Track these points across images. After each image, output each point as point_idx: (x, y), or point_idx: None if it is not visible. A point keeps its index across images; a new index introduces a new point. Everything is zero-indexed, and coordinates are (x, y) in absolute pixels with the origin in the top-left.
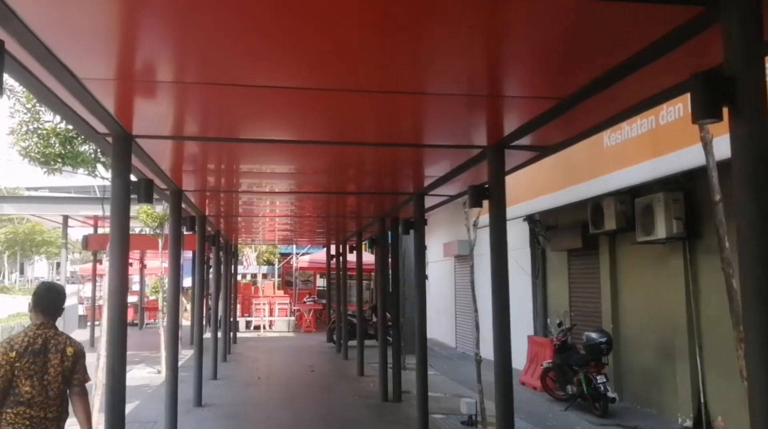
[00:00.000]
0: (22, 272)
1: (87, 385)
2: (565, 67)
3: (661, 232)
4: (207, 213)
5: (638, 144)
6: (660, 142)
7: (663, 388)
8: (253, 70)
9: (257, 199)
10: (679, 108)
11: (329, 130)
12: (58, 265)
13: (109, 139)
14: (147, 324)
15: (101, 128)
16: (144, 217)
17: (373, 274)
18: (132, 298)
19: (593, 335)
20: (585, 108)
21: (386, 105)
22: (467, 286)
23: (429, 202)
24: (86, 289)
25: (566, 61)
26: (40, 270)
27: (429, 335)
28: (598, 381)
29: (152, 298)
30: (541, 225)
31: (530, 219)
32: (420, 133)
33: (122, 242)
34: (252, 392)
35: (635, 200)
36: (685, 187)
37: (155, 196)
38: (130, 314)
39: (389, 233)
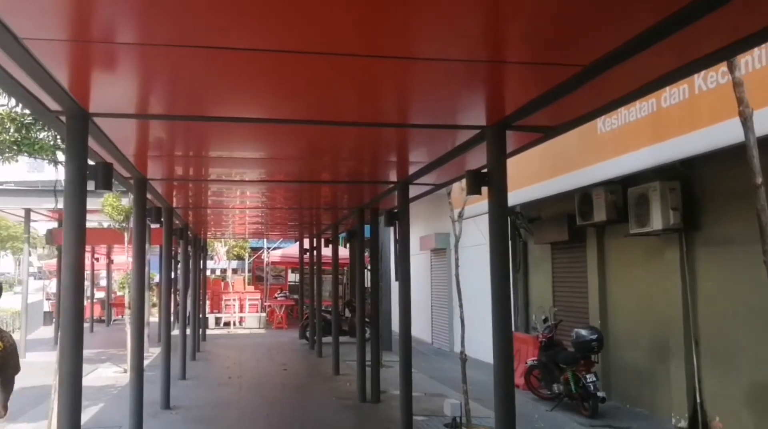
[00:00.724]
0: None
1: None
2: (590, 26)
3: (656, 223)
4: (174, 204)
5: (637, 129)
6: (662, 127)
7: (656, 386)
8: (226, 28)
9: (227, 189)
10: (683, 89)
11: (304, 107)
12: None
13: (63, 118)
14: (114, 320)
15: (53, 105)
16: (109, 210)
17: (347, 268)
18: (99, 294)
19: (583, 332)
20: (608, 78)
21: (367, 72)
22: (444, 281)
23: (414, 191)
24: (53, 285)
25: (592, 19)
26: (5, 266)
27: None
28: (588, 380)
29: (119, 293)
30: (523, 217)
31: (511, 211)
32: (406, 109)
33: (77, 234)
34: (223, 393)
35: (628, 190)
36: (682, 176)
37: (117, 185)
38: (97, 310)
39: (367, 226)
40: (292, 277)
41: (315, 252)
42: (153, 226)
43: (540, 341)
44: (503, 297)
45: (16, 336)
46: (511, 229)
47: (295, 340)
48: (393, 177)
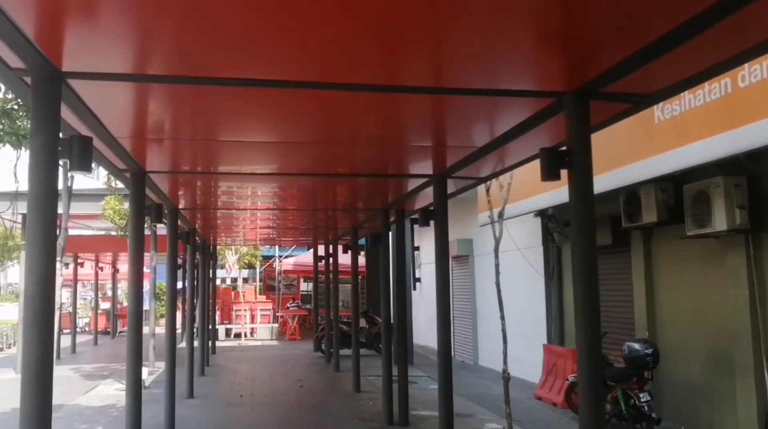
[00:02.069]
0: None
1: None
2: None
3: (720, 223)
4: (180, 205)
5: (704, 115)
6: (736, 112)
7: (717, 406)
8: None
9: (237, 187)
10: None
11: (317, 67)
12: None
13: (29, 80)
14: (120, 332)
15: (14, 62)
16: (111, 214)
17: (362, 277)
18: (104, 305)
19: (636, 346)
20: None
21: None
22: (467, 290)
23: (450, 187)
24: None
25: None
26: (13, 276)
27: (422, 342)
28: (641, 399)
29: (126, 304)
30: (557, 220)
31: (543, 214)
32: (452, 70)
33: (45, 226)
34: (233, 414)
35: (684, 187)
36: (747, 171)
37: (113, 178)
38: (102, 322)
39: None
40: (304, 287)
41: (331, 259)
42: (159, 232)
43: None
44: (591, 304)
45: (11, 351)
46: (543, 233)
47: (309, 353)
48: (426, 169)
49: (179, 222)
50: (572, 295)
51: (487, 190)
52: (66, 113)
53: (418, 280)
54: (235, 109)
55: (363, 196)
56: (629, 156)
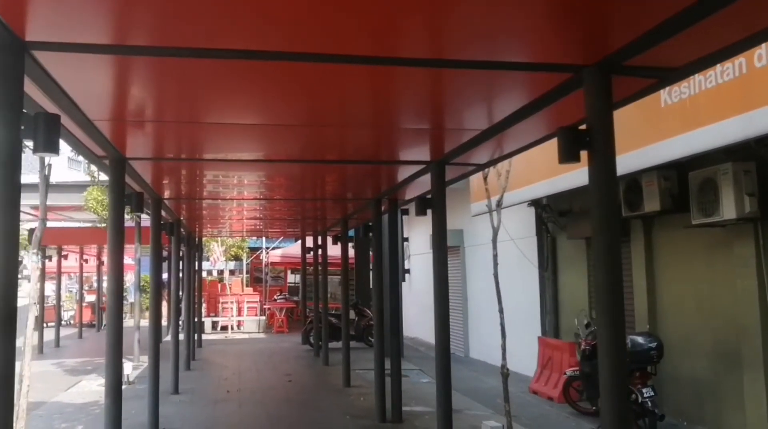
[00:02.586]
0: None
1: None
2: None
3: (728, 211)
4: (164, 195)
5: (716, 97)
6: (754, 92)
7: (723, 402)
8: None
9: (224, 176)
10: None
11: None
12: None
13: None
14: (105, 325)
15: None
16: (93, 205)
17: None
18: (90, 298)
19: (639, 339)
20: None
21: None
22: (457, 281)
23: (448, 174)
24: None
25: None
26: None
27: (411, 334)
28: (645, 395)
29: None
30: (551, 210)
31: (537, 204)
32: (452, 38)
33: (7, 215)
34: (220, 411)
35: (689, 175)
36: (757, 156)
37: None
38: (87, 315)
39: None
40: (292, 279)
41: (320, 250)
42: (144, 224)
43: (583, 349)
44: (614, 293)
45: None
46: (537, 223)
47: (297, 346)
48: (423, 155)
49: (164, 213)
50: (567, 286)
51: (485, 178)
52: (34, 92)
53: (407, 271)
54: (219, 85)
55: (354, 185)
56: (630, 142)
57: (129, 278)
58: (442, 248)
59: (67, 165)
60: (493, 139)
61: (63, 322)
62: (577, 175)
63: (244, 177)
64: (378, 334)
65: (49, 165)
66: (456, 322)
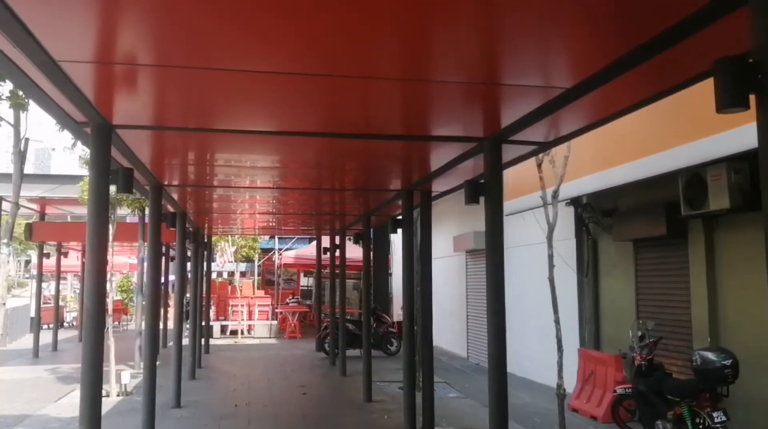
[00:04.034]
0: None
1: None
2: None
3: None
4: (165, 180)
5: None
6: None
7: None
8: None
9: (234, 160)
10: None
11: None
12: (27, 262)
13: None
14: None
15: None
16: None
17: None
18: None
19: (711, 356)
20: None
21: None
22: (483, 286)
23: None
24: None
25: None
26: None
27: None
28: (716, 419)
29: (116, 298)
30: (593, 209)
31: (576, 202)
32: None
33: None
34: None
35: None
36: None
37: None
38: None
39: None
40: (305, 282)
41: (338, 251)
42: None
43: (638, 364)
44: None
45: None
46: (576, 224)
47: (311, 353)
48: (477, 130)
49: (169, 206)
50: (609, 293)
51: (539, 165)
52: None
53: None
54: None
55: (381, 171)
56: (694, 131)
57: (86, 277)
58: (498, 247)
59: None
60: (566, 108)
61: (66, 324)
62: (633, 168)
63: (257, 160)
64: (408, 344)
65: (26, 139)
66: (481, 331)
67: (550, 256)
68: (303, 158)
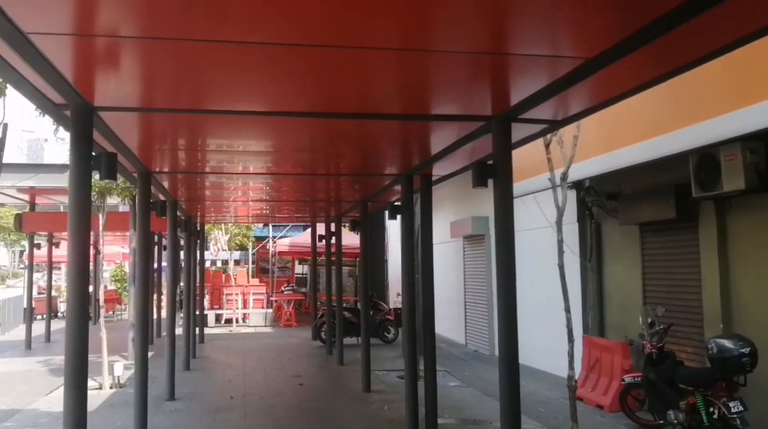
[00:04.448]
0: None
1: None
2: None
3: None
4: (154, 167)
5: None
6: None
7: None
8: None
9: (227, 145)
10: None
11: None
12: (22, 253)
13: None
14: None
15: None
16: None
17: (358, 259)
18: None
19: (728, 343)
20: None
21: None
22: (482, 273)
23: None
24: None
25: None
26: (1, 258)
27: None
28: (732, 410)
29: (110, 287)
30: (597, 193)
31: (579, 186)
32: None
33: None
34: (222, 423)
35: None
36: None
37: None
38: None
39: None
40: (299, 269)
41: (334, 238)
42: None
43: (648, 352)
44: None
45: None
46: (578, 208)
47: (307, 342)
48: (484, 108)
49: (162, 196)
50: (614, 278)
51: (547, 146)
52: None
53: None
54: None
55: (379, 153)
56: (707, 109)
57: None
58: (508, 232)
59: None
60: (587, 80)
61: (60, 315)
62: (641, 149)
63: (249, 144)
64: (409, 332)
65: (4, 125)
66: (479, 317)
67: (560, 242)
68: (296, 141)
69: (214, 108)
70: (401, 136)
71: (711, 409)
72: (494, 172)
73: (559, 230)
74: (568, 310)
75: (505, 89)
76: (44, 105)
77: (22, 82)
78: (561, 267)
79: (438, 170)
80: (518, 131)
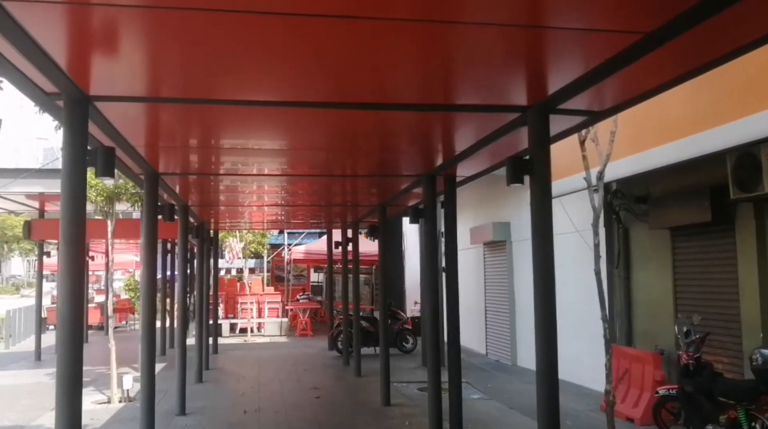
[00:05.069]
0: None
1: None
2: None
3: None
4: (161, 167)
5: None
6: None
7: None
8: None
9: (240, 144)
10: None
11: None
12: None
13: None
14: (116, 327)
15: None
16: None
17: (374, 266)
18: (98, 298)
19: None
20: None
21: None
22: (503, 280)
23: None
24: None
25: None
26: (16, 268)
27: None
28: None
29: (124, 296)
30: (624, 196)
31: (605, 189)
32: None
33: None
34: None
35: None
36: None
37: None
38: (97, 316)
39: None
40: (314, 277)
41: (351, 245)
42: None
43: (685, 363)
44: None
45: None
46: (605, 212)
47: (324, 352)
48: (519, 97)
49: (173, 201)
50: (643, 285)
51: (582, 142)
52: None
53: (443, 269)
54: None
55: (399, 153)
56: (747, 104)
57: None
58: (547, 233)
59: None
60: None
61: None
62: (676, 148)
63: (263, 142)
64: (433, 343)
65: None
66: (501, 326)
67: (596, 246)
68: (312, 138)
69: (226, 98)
70: (423, 131)
71: (753, 424)
72: (531, 168)
73: (596, 233)
74: (605, 319)
75: (543, 73)
76: (34, 94)
77: (7, 66)
78: (597, 273)
79: (462, 170)
80: (555, 124)
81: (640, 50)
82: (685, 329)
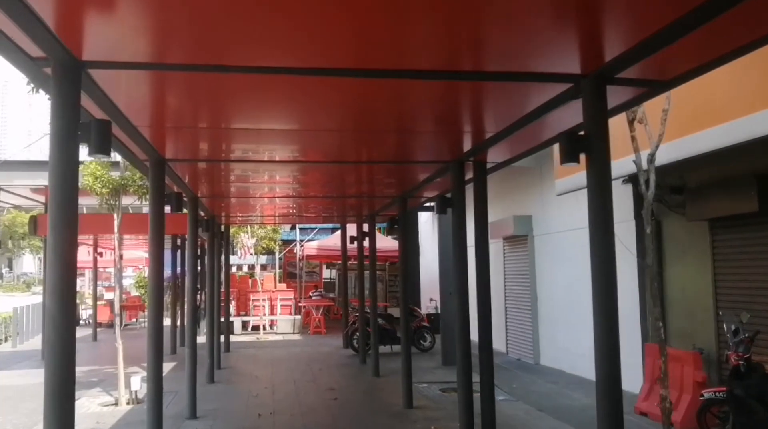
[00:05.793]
0: (10, 267)
1: None
2: None
3: None
4: (167, 153)
5: None
6: None
7: None
8: None
9: (252, 122)
10: None
11: None
12: None
13: None
14: (126, 325)
15: None
16: (90, 182)
17: (388, 263)
18: (108, 295)
19: None
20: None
21: None
22: (524, 275)
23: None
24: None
25: None
26: (28, 265)
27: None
28: None
29: (134, 293)
30: (657, 186)
31: (636, 179)
32: None
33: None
34: None
35: None
36: None
37: None
38: (107, 314)
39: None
40: (327, 274)
41: (367, 239)
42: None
43: (735, 364)
44: None
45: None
46: (635, 203)
47: (339, 350)
48: (569, 65)
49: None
50: (678, 280)
51: (631, 122)
52: None
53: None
54: None
55: (423, 135)
56: None
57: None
58: (606, 216)
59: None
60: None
61: (82, 322)
62: (715, 134)
63: (275, 122)
64: (462, 343)
65: None
66: (522, 324)
67: (649, 236)
68: (328, 116)
69: (237, 64)
70: (452, 107)
71: None
72: (588, 145)
73: (647, 223)
74: (659, 318)
75: (599, 35)
76: (17, 59)
77: None
78: (652, 267)
79: (494, 156)
80: (612, 96)
81: (710, 11)
82: (733, 327)
